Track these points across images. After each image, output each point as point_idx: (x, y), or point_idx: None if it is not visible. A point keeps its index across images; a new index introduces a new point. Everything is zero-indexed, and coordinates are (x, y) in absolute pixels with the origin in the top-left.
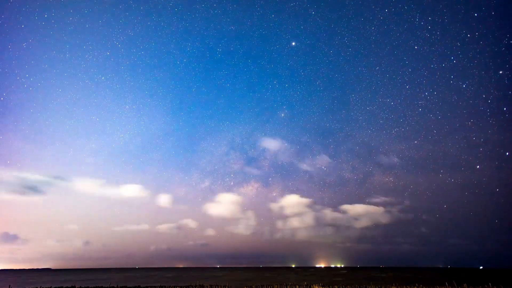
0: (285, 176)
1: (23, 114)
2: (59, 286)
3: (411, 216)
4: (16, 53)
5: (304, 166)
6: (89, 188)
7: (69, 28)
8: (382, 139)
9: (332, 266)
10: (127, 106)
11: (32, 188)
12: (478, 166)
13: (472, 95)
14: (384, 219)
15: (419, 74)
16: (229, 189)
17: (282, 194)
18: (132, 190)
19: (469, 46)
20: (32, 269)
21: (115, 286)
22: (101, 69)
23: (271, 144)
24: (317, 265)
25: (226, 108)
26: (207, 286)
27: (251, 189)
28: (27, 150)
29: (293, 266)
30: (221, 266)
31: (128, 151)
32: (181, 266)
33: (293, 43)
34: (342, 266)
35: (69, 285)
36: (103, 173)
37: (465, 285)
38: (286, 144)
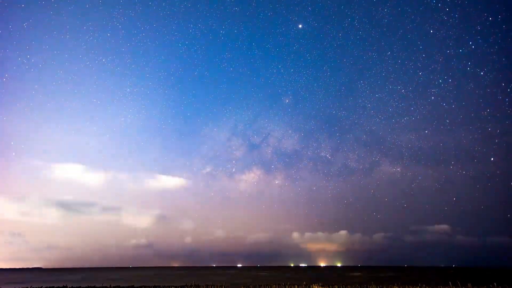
0: (288, 164)
1: (24, 95)
2: (50, 286)
3: (417, 209)
4: (16, 34)
5: (308, 154)
6: (88, 172)
7: (69, 8)
8: (391, 128)
9: (333, 265)
10: (128, 89)
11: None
12: (492, 159)
13: (490, 83)
14: (389, 211)
15: (433, 60)
16: (230, 176)
17: (284, 182)
18: (133, 175)
19: (490, 31)
20: (23, 268)
21: (108, 286)
22: (101, 50)
23: (275, 131)
24: (310, 265)
25: (228, 93)
26: (202, 286)
27: (253, 176)
28: (29, 131)
29: (292, 265)
30: (217, 265)
31: (129, 135)
32: (175, 265)
33: (300, 26)
34: (340, 265)
35: (61, 285)
36: (104, 158)
37: (469, 285)
38: (290, 131)
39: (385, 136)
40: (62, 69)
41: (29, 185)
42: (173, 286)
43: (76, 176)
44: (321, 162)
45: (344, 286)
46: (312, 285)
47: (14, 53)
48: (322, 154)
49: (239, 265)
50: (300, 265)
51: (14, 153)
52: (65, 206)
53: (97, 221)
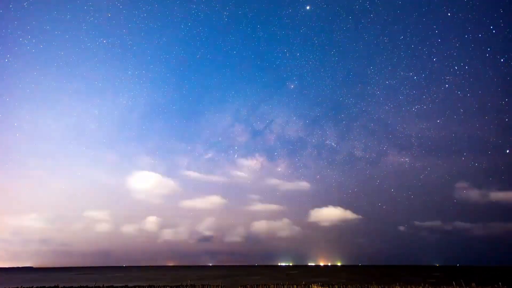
0: (291, 151)
1: (26, 76)
2: (41, 285)
3: (425, 201)
4: (17, 13)
5: (313, 142)
6: (89, 157)
7: None
8: (401, 117)
9: (331, 264)
10: (129, 72)
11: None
12: (508, 151)
13: (510, 71)
14: (395, 203)
15: (449, 45)
16: (232, 162)
17: (287, 170)
18: (133, 159)
19: None
20: (13, 267)
21: (101, 285)
22: (102, 31)
23: (279, 117)
24: (310, 263)
25: (231, 77)
26: (199, 286)
27: (256, 163)
28: (31, 113)
29: (291, 264)
30: (214, 264)
31: (131, 119)
32: (171, 264)
33: (308, 7)
34: (340, 264)
35: (52, 285)
36: (105, 141)
37: (473, 284)
38: (294, 118)
39: (394, 125)
40: (63, 50)
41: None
42: (168, 286)
43: (80, 161)
44: (326, 150)
45: (344, 286)
46: (311, 284)
47: (15, 34)
48: (327, 142)
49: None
50: (298, 264)
51: (17, 135)
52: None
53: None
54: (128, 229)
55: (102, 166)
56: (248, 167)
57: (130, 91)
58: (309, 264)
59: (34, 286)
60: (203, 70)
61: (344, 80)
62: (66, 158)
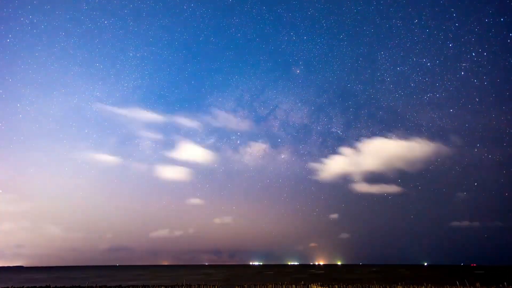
0: (295, 138)
1: (27, 57)
2: (32, 285)
3: (433, 192)
4: None
5: (318, 129)
6: (91, 140)
7: None
8: (411, 105)
9: (332, 264)
10: (130, 54)
11: None
12: None
13: None
14: (402, 194)
15: (467, 30)
16: (235, 148)
17: (291, 157)
18: (135, 144)
19: None
20: (3, 266)
21: (94, 285)
22: (103, 12)
23: (283, 103)
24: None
25: (235, 61)
26: (194, 286)
27: (258, 149)
28: (32, 96)
29: (289, 263)
30: (209, 263)
31: (133, 101)
32: (165, 263)
33: None
34: (340, 263)
35: (43, 285)
36: (107, 124)
37: (478, 284)
38: (299, 104)
39: (403, 114)
40: (64, 31)
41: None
42: (163, 285)
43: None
44: (331, 138)
45: (344, 285)
46: (310, 284)
47: (16, 13)
48: (333, 129)
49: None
50: (295, 263)
51: (21, 115)
52: None
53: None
54: None
55: (104, 149)
56: (250, 154)
57: (132, 73)
58: (310, 263)
59: (25, 286)
60: (206, 53)
61: (353, 65)
62: (69, 141)
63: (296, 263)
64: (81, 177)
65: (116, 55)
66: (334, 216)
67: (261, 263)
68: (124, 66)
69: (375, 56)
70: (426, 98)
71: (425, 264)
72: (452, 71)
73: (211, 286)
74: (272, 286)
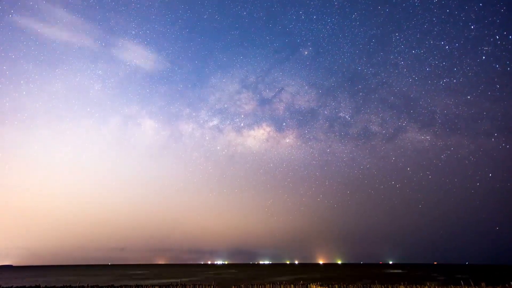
0: (301, 123)
1: (30, 33)
2: (21, 285)
3: (444, 183)
4: None
5: (325, 114)
6: (94, 119)
7: None
8: (426, 91)
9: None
10: (133, 32)
11: None
12: None
13: None
14: (411, 182)
15: (492, 11)
16: (238, 130)
17: (296, 142)
18: (137, 122)
19: None
20: None
21: (85, 285)
22: None
23: (289, 85)
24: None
25: (240, 41)
26: (190, 286)
27: (262, 133)
28: (34, 73)
29: (288, 262)
30: (205, 262)
31: (135, 81)
32: (161, 262)
33: None
34: (340, 262)
35: (33, 284)
36: (109, 103)
37: (483, 284)
38: (306, 87)
39: (417, 99)
40: (65, 7)
41: None
42: (157, 285)
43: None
44: (338, 123)
45: (345, 285)
46: (310, 284)
47: None
48: (341, 114)
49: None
50: (296, 262)
51: (24, 92)
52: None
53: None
54: None
55: (106, 128)
56: (254, 137)
57: (134, 51)
58: (313, 262)
59: (14, 286)
60: (210, 31)
61: (365, 47)
62: (72, 119)
63: (296, 262)
64: (84, 154)
65: (117, 33)
66: (337, 203)
67: (269, 262)
68: (125, 44)
69: (389, 37)
70: (442, 84)
71: (435, 263)
72: (472, 55)
73: (207, 286)
74: (270, 286)
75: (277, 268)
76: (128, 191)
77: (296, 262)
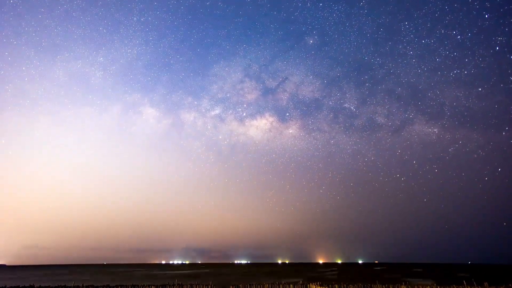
0: (305, 113)
1: (31, 19)
2: (15, 285)
3: (451, 177)
4: None
5: (329, 104)
6: (95, 106)
7: None
8: (435, 82)
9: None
10: (134, 18)
11: None
12: None
13: None
14: (416, 176)
15: None
16: (240, 120)
17: (299, 132)
18: (138, 110)
19: None
20: None
21: (80, 285)
22: None
23: (293, 75)
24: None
25: (244, 29)
26: (186, 286)
27: (265, 123)
28: (37, 59)
29: (287, 261)
30: (202, 262)
31: (136, 69)
32: (156, 262)
33: None
34: (340, 262)
35: (27, 284)
36: (111, 91)
37: (486, 284)
38: (311, 77)
39: (425, 91)
40: None
41: None
42: (153, 285)
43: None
44: (343, 114)
45: (345, 285)
46: (309, 284)
47: None
48: (346, 105)
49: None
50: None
51: (26, 79)
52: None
53: None
54: None
55: (107, 116)
56: (257, 127)
57: (135, 38)
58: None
59: (8, 286)
60: (213, 19)
61: (372, 36)
62: (73, 106)
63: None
64: (86, 143)
65: (119, 19)
66: (340, 195)
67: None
68: (127, 31)
69: (398, 26)
70: (452, 75)
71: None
72: (485, 45)
73: (204, 286)
74: (268, 285)
75: (293, 267)
76: (129, 179)
77: (285, 261)
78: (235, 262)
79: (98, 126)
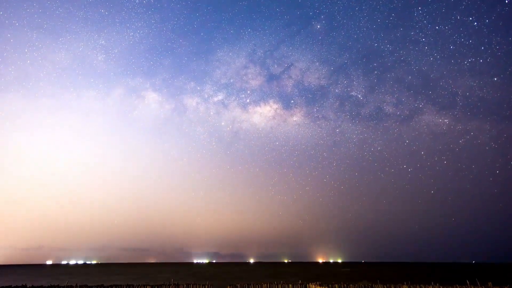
0: (310, 100)
1: (33, 1)
2: (7, 285)
3: (461, 169)
4: None
5: (336, 92)
6: (97, 90)
7: None
8: (448, 71)
9: (332, 261)
10: (136, 1)
11: None
12: None
13: None
14: (424, 167)
15: None
16: (244, 107)
17: (303, 120)
18: (140, 95)
19: None
20: None
21: (74, 284)
22: None
23: (299, 61)
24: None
25: (249, 12)
26: (183, 285)
27: (269, 110)
28: (39, 41)
29: (286, 261)
30: (197, 262)
31: (138, 52)
32: (152, 261)
33: None
34: (340, 261)
35: (19, 284)
36: (113, 75)
37: (490, 283)
38: (317, 64)
39: (437, 80)
40: None
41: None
42: (148, 285)
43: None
44: (350, 102)
45: (345, 285)
46: (309, 283)
47: None
48: (353, 93)
49: None
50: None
51: (28, 61)
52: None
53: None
54: None
55: (110, 99)
56: (260, 114)
57: (138, 21)
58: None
59: (0, 285)
60: (217, 2)
61: (383, 22)
62: (76, 89)
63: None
64: (88, 126)
65: (121, 1)
66: (344, 185)
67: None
68: (129, 14)
69: (410, 12)
70: (466, 64)
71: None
72: (503, 32)
73: (201, 286)
74: (267, 285)
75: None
76: (130, 163)
77: (285, 260)
78: (249, 261)
79: (100, 109)
